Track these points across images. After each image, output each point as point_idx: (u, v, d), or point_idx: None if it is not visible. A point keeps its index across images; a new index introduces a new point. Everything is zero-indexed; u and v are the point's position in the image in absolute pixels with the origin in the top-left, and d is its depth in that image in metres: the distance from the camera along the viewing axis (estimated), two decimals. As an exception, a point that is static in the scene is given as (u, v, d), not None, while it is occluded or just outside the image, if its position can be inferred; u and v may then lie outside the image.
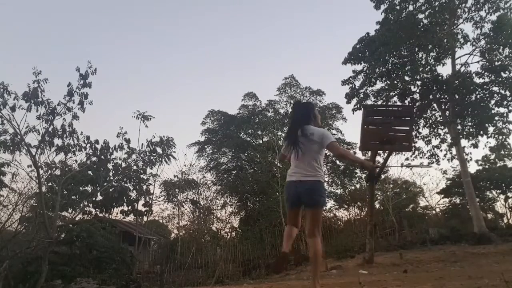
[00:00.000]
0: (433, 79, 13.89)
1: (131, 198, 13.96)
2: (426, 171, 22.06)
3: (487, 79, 13.54)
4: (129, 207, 14.02)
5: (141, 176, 13.80)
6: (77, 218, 12.86)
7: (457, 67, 14.22)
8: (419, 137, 14.90)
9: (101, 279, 10.29)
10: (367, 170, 3.47)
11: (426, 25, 13.99)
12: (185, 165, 17.92)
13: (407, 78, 14.71)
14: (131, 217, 14.70)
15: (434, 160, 14.88)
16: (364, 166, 3.42)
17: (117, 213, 14.35)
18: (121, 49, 67.87)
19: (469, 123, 13.76)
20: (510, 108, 13.05)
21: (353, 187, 23.17)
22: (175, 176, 16.45)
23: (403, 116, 7.77)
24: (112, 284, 10.06)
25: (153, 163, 13.54)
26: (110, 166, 13.31)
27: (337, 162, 24.85)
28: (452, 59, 14.27)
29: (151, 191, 14.13)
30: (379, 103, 14.41)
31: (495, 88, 13.28)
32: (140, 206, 14.19)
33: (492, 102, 13.18)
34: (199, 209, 17.73)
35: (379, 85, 14.87)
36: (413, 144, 13.11)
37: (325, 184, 3.20)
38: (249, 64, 65.03)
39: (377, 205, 17.50)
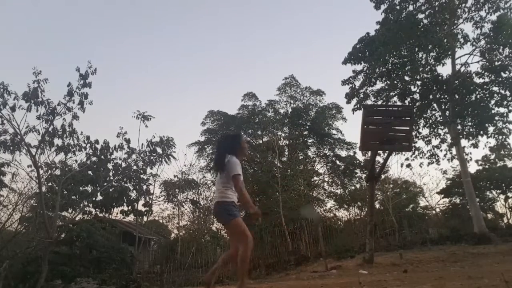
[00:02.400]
0: (433, 79, 13.89)
1: (131, 198, 13.96)
2: (426, 171, 22.10)
3: (487, 79, 13.54)
4: (129, 207, 14.01)
5: (141, 176, 13.79)
6: (77, 218, 12.86)
7: (457, 67, 14.22)
8: (419, 137, 14.89)
9: (101, 279, 10.29)
10: (251, 215, 3.50)
11: (426, 25, 13.98)
12: (185, 165, 17.97)
13: (407, 78, 14.70)
14: (131, 217, 14.69)
15: (434, 160, 14.88)
16: (251, 211, 3.48)
17: (117, 213, 14.36)
18: (122, 49, 67.91)
19: (469, 123, 13.75)
20: (510, 108, 13.05)
21: (353, 187, 23.18)
22: (175, 176, 16.44)
23: (403, 116, 7.78)
24: (112, 284, 10.06)
25: (153, 163, 13.53)
26: (110, 166, 13.31)
27: (337, 162, 24.89)
28: (452, 59, 14.26)
29: (151, 191, 14.13)
30: (379, 103, 14.41)
31: (495, 88, 13.29)
32: (140, 206, 14.19)
33: (492, 102, 13.17)
34: (199, 209, 17.73)
35: (379, 85, 14.90)
36: (413, 144, 13.11)
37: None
38: (249, 64, 65.06)
39: (377, 205, 17.51)
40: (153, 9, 68.73)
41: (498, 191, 19.88)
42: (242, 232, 3.27)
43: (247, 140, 24.82)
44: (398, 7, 14.49)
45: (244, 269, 3.30)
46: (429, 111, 14.78)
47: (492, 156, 20.97)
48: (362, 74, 14.97)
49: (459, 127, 13.79)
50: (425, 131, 14.98)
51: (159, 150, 13.53)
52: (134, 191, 14.05)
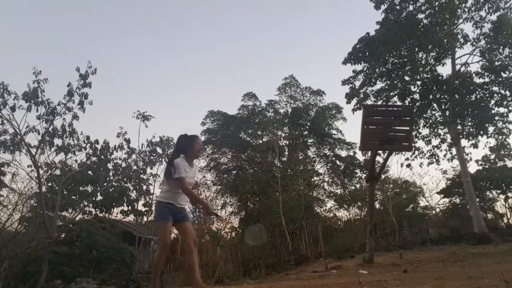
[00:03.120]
0: (433, 79, 13.88)
1: (131, 198, 13.96)
2: (426, 171, 22.10)
3: (487, 79, 13.53)
4: (129, 207, 14.01)
5: (141, 176, 13.79)
6: (77, 218, 12.85)
7: (457, 67, 14.21)
8: (419, 137, 14.88)
9: (101, 279, 10.29)
10: (205, 212, 3.65)
11: (426, 25, 13.97)
12: (185, 165, 17.86)
13: (407, 78, 14.70)
14: (131, 217, 14.69)
15: (434, 160, 14.88)
16: (204, 208, 3.64)
17: (117, 213, 14.36)
18: (122, 49, 67.89)
19: (469, 123, 13.74)
20: (510, 108, 13.04)
21: (353, 187, 23.19)
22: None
23: (403, 116, 7.78)
24: (112, 284, 10.06)
25: (153, 163, 13.54)
26: (110, 166, 13.32)
27: (337, 162, 24.89)
28: (452, 59, 14.25)
29: (151, 191, 14.12)
30: (379, 103, 14.40)
31: (495, 88, 13.27)
32: (140, 206, 14.20)
33: (492, 102, 13.16)
34: (199, 209, 17.71)
35: (379, 85, 14.88)
36: (413, 144, 13.11)
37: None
38: (249, 64, 65.06)
39: (377, 205, 17.51)
40: (153, 9, 68.73)
41: (498, 191, 19.87)
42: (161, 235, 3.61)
43: (247, 140, 24.85)
44: (398, 7, 14.49)
45: (155, 270, 3.66)
46: (429, 111, 14.77)
47: (492, 156, 20.97)
48: (362, 74, 14.97)
49: (459, 127, 13.78)
50: (425, 131, 14.99)
51: (159, 150, 13.55)
52: (134, 191, 14.06)
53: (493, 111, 13.18)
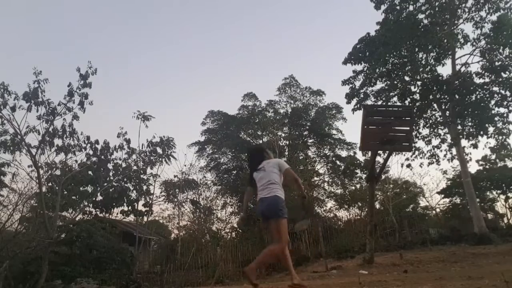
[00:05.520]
0: (433, 79, 13.88)
1: (131, 198, 13.94)
2: (426, 171, 22.10)
3: (487, 79, 13.54)
4: (129, 207, 13.99)
5: (141, 176, 13.77)
6: (77, 218, 12.83)
7: (457, 67, 14.22)
8: (419, 137, 14.89)
9: (101, 279, 10.28)
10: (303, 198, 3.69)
11: (426, 25, 13.98)
12: (185, 165, 17.91)
13: (407, 78, 14.71)
14: (131, 217, 14.68)
15: (434, 160, 14.88)
16: (303, 196, 3.67)
17: (117, 213, 14.33)
18: (122, 49, 67.91)
19: (469, 123, 13.75)
20: (510, 108, 13.05)
21: (353, 187, 23.16)
22: (175, 176, 16.41)
23: (403, 116, 7.78)
24: (112, 284, 10.05)
25: (153, 163, 13.52)
26: (110, 166, 13.28)
27: (337, 162, 24.86)
28: (452, 59, 14.26)
29: (151, 191, 14.11)
30: (379, 103, 14.41)
31: (495, 88, 13.29)
32: (140, 206, 14.17)
33: (492, 102, 13.17)
34: (199, 209, 17.72)
35: (379, 85, 14.90)
36: (413, 144, 13.11)
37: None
38: (249, 64, 65.06)
39: (377, 205, 17.49)
40: (153, 9, 68.74)
41: (498, 191, 19.87)
42: (283, 231, 3.46)
43: (247, 140, 24.85)
44: (398, 7, 14.50)
45: (265, 258, 3.48)
46: (429, 111, 14.78)
47: (493, 157, 20.97)
48: (362, 74, 14.97)
49: (459, 127, 13.79)
50: (425, 131, 15.00)
51: (159, 150, 13.52)
52: (134, 191, 14.03)
53: (493, 111, 13.19)
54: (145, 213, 14.37)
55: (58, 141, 10.13)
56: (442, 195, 20.85)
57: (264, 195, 3.54)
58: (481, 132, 13.31)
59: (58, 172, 11.43)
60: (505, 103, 13.04)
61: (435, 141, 14.85)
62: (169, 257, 13.56)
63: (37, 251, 9.71)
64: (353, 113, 14.81)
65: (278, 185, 3.54)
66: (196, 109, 64.16)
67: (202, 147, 24.91)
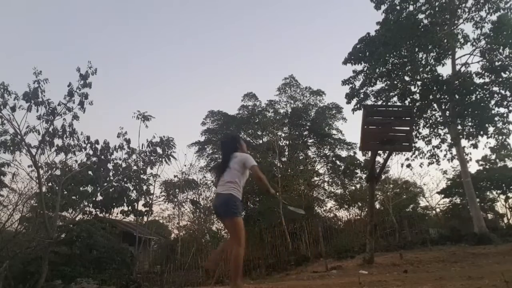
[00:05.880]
0: (433, 79, 13.87)
1: (131, 198, 13.93)
2: (426, 171, 22.13)
3: (487, 79, 13.54)
4: (129, 207, 13.98)
5: (141, 176, 13.76)
6: (77, 218, 12.82)
7: (457, 67, 14.22)
8: (419, 137, 14.88)
9: (101, 279, 10.27)
10: (268, 194, 3.68)
11: (426, 25, 13.98)
12: (185, 165, 17.91)
13: (407, 78, 14.70)
14: (131, 217, 14.67)
15: (434, 160, 14.88)
16: (268, 192, 3.80)
17: (117, 213, 14.32)
18: (122, 49, 67.92)
19: (469, 123, 13.74)
20: (510, 108, 13.05)
21: (353, 187, 23.18)
22: (175, 176, 16.37)
23: (403, 116, 7.78)
24: (112, 284, 10.05)
25: (153, 163, 13.51)
26: (110, 166, 13.27)
27: (337, 162, 24.87)
28: (452, 59, 14.26)
29: (151, 191, 14.09)
30: (379, 103, 14.41)
31: (495, 88, 13.28)
32: (140, 206, 14.16)
33: (492, 102, 13.17)
34: (199, 209, 17.72)
35: (379, 85, 14.89)
36: (413, 144, 13.11)
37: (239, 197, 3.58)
38: (249, 64, 65.07)
39: (377, 205, 17.51)
40: (153, 9, 68.74)
41: (498, 191, 19.89)
42: (238, 230, 3.44)
43: (247, 140, 24.86)
44: (398, 7, 14.49)
45: (236, 269, 3.41)
46: (429, 111, 14.77)
47: (493, 157, 20.97)
48: (362, 74, 14.96)
49: (459, 127, 13.78)
50: (425, 131, 15.00)
51: (159, 150, 13.51)
52: (134, 191, 14.02)
53: (493, 111, 13.19)
54: (145, 213, 14.37)
55: (58, 141, 10.12)
56: (442, 195, 20.88)
57: (220, 191, 3.60)
58: (481, 132, 13.30)
59: (58, 172, 11.43)
60: (505, 103, 13.04)
61: (435, 141, 14.88)
62: (169, 257, 13.57)
63: (37, 251, 9.70)
64: (353, 113, 14.83)
65: (236, 184, 3.56)
66: (196, 109, 64.21)
67: (202, 147, 24.93)
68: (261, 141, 24.12)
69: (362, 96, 14.96)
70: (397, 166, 26.69)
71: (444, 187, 20.54)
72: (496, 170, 20.16)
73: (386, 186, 18.02)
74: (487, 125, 13.24)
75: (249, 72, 62.43)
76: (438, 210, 21.65)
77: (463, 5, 14.23)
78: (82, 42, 69.90)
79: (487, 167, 21.22)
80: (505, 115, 13.22)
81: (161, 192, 16.99)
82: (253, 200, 21.28)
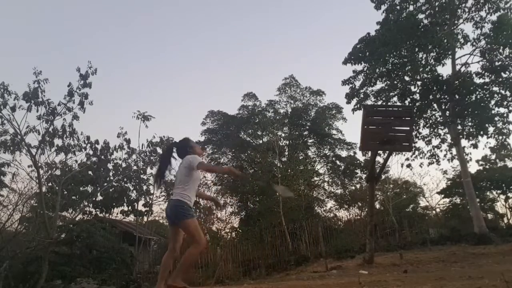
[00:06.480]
0: (433, 79, 13.87)
1: (131, 198, 13.94)
2: (426, 171, 22.15)
3: (487, 79, 13.53)
4: (129, 207, 13.99)
5: (141, 176, 13.78)
6: (77, 218, 12.84)
7: (457, 67, 14.21)
8: (419, 137, 14.87)
9: (101, 279, 10.28)
10: (235, 176, 3.66)
11: (426, 25, 13.97)
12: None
13: (407, 78, 14.70)
14: (131, 217, 14.68)
15: (434, 160, 14.88)
16: (232, 173, 3.62)
17: (117, 213, 14.33)
18: (122, 49, 67.93)
19: (469, 123, 13.73)
20: (510, 108, 13.03)
21: (353, 187, 23.19)
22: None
23: (403, 116, 7.78)
24: (112, 284, 10.06)
25: (153, 163, 13.52)
26: (110, 166, 13.29)
27: (337, 162, 24.87)
28: (452, 59, 14.25)
29: (151, 191, 14.12)
30: (379, 103, 14.41)
31: (495, 88, 13.27)
32: (140, 206, 14.18)
33: (492, 102, 13.16)
34: (199, 209, 17.73)
35: (379, 85, 14.87)
36: (413, 144, 13.11)
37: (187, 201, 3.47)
38: (249, 64, 65.07)
39: (377, 205, 17.52)
40: (154, 9, 68.73)
41: (499, 191, 19.89)
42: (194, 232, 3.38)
43: (247, 140, 24.86)
44: (398, 7, 14.50)
45: (184, 266, 3.43)
46: (429, 111, 14.76)
47: (493, 157, 20.98)
48: (362, 74, 14.95)
49: (459, 127, 13.78)
50: (425, 131, 14.98)
51: (159, 150, 13.53)
52: (134, 191, 14.03)
53: (493, 112, 13.18)
54: (145, 213, 14.38)
55: (58, 141, 10.16)
56: (442, 195, 20.88)
57: (172, 197, 3.57)
58: (481, 132, 13.30)
59: (58, 172, 11.45)
60: (505, 103, 13.03)
61: (435, 141, 14.86)
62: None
63: (37, 251, 9.72)
64: (353, 113, 14.82)
65: (183, 188, 3.48)
66: (196, 109, 64.18)
67: (202, 147, 24.88)
68: (261, 141, 24.09)
69: (362, 96, 14.95)
70: (397, 166, 26.71)
71: (444, 187, 20.55)
72: (496, 170, 20.16)
73: (386, 186, 18.03)
74: (487, 125, 13.23)
75: (249, 72, 62.47)
76: (438, 210, 21.69)
77: (463, 5, 14.22)
78: (82, 42, 69.92)
79: (487, 167, 21.22)
80: (505, 115, 13.21)
81: (161, 192, 16.98)
82: (253, 200, 21.29)
